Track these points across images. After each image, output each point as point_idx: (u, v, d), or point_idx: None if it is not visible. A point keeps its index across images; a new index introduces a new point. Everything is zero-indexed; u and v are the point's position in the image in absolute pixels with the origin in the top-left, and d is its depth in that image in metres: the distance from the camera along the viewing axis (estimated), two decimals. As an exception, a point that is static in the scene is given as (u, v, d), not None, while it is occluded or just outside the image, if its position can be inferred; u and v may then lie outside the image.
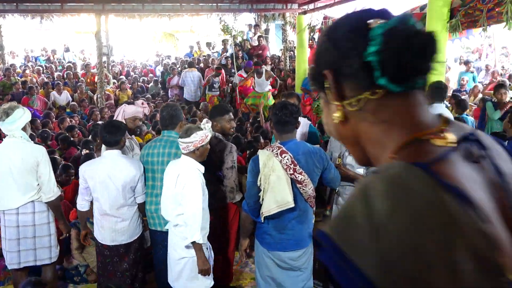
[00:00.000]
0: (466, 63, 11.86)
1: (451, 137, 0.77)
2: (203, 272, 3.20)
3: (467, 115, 6.77)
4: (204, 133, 3.19)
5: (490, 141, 0.85)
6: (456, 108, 6.94)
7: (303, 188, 3.01)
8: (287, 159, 2.97)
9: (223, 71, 11.75)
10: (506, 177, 0.79)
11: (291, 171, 2.96)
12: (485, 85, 10.72)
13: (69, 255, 4.60)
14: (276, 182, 2.93)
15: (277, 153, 2.98)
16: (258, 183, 2.98)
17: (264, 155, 3.01)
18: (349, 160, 3.79)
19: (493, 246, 0.65)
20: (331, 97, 0.86)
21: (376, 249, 0.64)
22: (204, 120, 3.31)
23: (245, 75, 10.96)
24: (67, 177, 5.02)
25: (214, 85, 11.44)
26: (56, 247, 3.87)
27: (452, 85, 11.47)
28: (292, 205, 2.94)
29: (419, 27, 0.79)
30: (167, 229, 3.47)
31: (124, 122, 4.05)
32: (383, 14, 0.84)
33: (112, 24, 13.81)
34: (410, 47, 0.76)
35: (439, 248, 0.62)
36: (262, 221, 3.04)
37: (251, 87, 10.40)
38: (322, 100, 0.94)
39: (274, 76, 10.64)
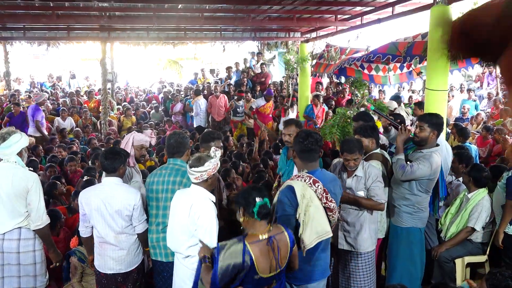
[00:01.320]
0: (468, 91, 11.91)
1: (263, 236, 2.66)
2: None
3: (470, 143, 6.72)
4: (215, 161, 3.16)
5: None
6: (458, 137, 6.91)
7: (333, 215, 3.00)
8: (320, 188, 2.94)
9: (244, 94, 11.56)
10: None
11: (324, 200, 2.94)
12: (487, 113, 10.72)
13: (69, 283, 4.51)
14: (316, 213, 2.89)
15: (310, 183, 2.94)
16: (297, 216, 2.91)
17: (299, 186, 2.95)
18: (348, 183, 3.75)
19: (251, 266, 2.59)
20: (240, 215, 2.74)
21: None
22: (213, 148, 3.27)
23: (263, 103, 10.82)
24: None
25: (238, 109, 11.31)
26: (43, 276, 3.78)
27: (454, 113, 11.48)
28: (331, 234, 2.93)
29: (267, 205, 2.66)
30: (169, 260, 3.42)
31: (132, 149, 4.06)
32: (263, 194, 2.65)
33: (117, 51, 13.96)
34: (262, 210, 2.63)
35: (231, 267, 2.58)
36: (304, 255, 2.95)
37: (270, 116, 10.18)
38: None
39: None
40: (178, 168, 3.55)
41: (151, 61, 21.69)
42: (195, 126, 11.92)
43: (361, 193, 3.70)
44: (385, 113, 5.66)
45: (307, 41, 11.40)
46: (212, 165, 3.12)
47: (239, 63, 14.49)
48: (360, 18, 9.13)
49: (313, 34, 11.21)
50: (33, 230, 3.65)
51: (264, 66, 13.78)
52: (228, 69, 14.35)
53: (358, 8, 8.73)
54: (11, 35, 11.28)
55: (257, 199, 2.60)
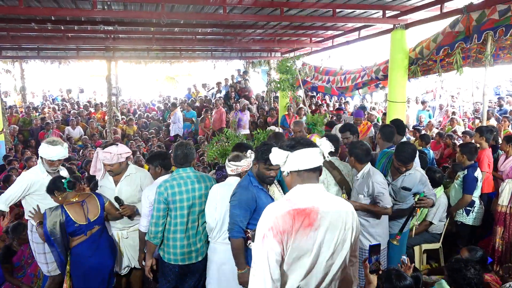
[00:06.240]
0: (423, 102, 12.10)
1: (75, 199, 3.38)
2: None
3: (428, 148, 6.74)
4: (250, 161, 3.17)
5: None
6: (420, 141, 6.98)
7: None
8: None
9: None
10: None
11: None
12: (439, 122, 10.91)
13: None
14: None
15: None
16: None
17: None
18: (355, 185, 3.67)
19: (68, 218, 3.27)
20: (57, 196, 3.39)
21: None
22: (249, 151, 3.29)
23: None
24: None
25: None
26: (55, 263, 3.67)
27: (411, 122, 11.64)
28: None
29: (70, 180, 3.41)
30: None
31: (102, 166, 3.63)
32: (64, 176, 3.55)
33: (121, 68, 13.85)
34: (70, 184, 3.36)
35: (57, 224, 3.25)
36: None
37: None
38: None
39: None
40: (196, 175, 3.28)
41: (151, 77, 21.55)
42: (171, 135, 11.52)
43: (361, 197, 3.54)
44: None
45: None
46: (247, 163, 3.16)
47: (228, 79, 14.49)
48: (331, 40, 9.25)
49: (291, 54, 11.29)
50: None
51: (247, 81, 13.76)
52: (218, 84, 14.33)
53: (329, 32, 8.84)
54: (26, 54, 11.13)
55: (63, 180, 3.35)
